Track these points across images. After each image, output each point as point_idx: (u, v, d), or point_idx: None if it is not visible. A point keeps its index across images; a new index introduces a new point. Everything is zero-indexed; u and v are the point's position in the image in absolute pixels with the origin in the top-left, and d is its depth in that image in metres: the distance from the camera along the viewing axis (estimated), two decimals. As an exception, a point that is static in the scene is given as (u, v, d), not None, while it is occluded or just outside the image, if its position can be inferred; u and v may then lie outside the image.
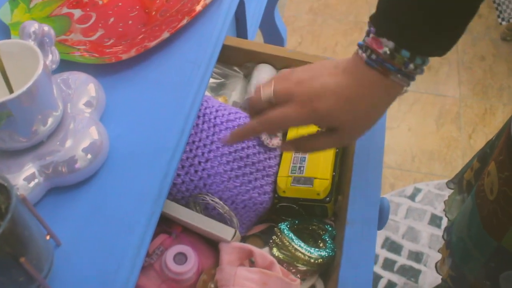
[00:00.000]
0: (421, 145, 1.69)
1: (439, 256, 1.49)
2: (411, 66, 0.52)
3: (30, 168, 0.58)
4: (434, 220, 1.55)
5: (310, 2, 2.16)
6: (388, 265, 1.47)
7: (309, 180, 0.68)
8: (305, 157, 0.70)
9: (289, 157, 0.71)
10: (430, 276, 1.46)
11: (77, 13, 0.81)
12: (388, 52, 0.52)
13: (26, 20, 0.80)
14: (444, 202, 1.09)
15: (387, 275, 1.45)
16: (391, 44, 0.52)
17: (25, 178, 0.57)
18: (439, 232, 1.52)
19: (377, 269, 1.45)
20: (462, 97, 1.82)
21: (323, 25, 2.08)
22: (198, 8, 0.73)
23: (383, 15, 0.53)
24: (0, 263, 0.44)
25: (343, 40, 2.02)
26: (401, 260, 1.48)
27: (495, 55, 1.95)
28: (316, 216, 0.70)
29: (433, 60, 1.91)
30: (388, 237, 1.52)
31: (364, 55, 0.54)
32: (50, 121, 0.59)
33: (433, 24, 0.51)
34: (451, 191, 1.59)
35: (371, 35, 0.54)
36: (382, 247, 1.50)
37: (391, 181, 1.62)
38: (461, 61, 1.93)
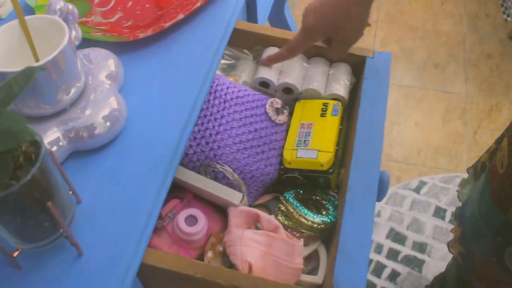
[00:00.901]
0: (427, 140, 1.73)
1: (442, 247, 1.52)
2: None
3: (54, 133, 0.63)
4: (439, 212, 1.58)
5: (321, 1, 2.20)
6: (393, 255, 1.50)
7: (313, 152, 0.72)
8: (310, 132, 0.74)
9: (295, 132, 0.75)
10: (433, 266, 1.49)
11: (97, -3, 0.86)
12: None
13: (50, 3, 0.85)
14: (459, 184, 1.11)
15: (391, 265, 1.49)
16: None
17: (49, 142, 0.62)
18: (443, 224, 1.55)
19: (382, 258, 1.49)
20: (468, 94, 1.85)
21: (333, 23, 2.12)
22: (212, -8, 0.78)
23: None
24: (29, 207, 0.48)
25: (352, 38, 2.06)
26: (405, 250, 1.51)
27: (502, 53, 1.98)
28: (320, 187, 0.74)
29: (440, 58, 1.94)
30: (393, 228, 1.55)
31: None
32: (73, 91, 0.64)
33: None
34: (456, 185, 1.62)
35: None
36: (387, 237, 1.53)
37: (397, 174, 1.66)
38: (468, 59, 1.97)
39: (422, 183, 1.64)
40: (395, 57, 1.98)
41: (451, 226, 1.53)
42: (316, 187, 0.74)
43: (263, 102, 0.75)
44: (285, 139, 0.76)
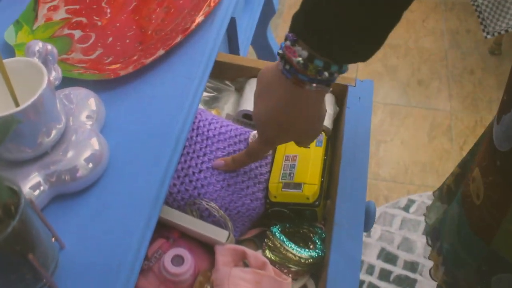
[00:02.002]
0: (414, 157, 1.74)
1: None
2: (325, 74, 0.52)
3: (35, 177, 0.62)
4: (428, 230, 1.58)
5: (303, 22, 2.22)
6: (384, 275, 1.50)
7: (298, 185, 0.71)
8: (294, 164, 0.74)
9: (279, 165, 0.75)
10: (426, 285, 1.48)
11: (78, 33, 0.86)
12: (301, 62, 0.51)
13: (30, 41, 0.84)
14: (426, 207, 1.12)
15: (383, 286, 1.48)
16: (304, 53, 0.51)
17: (31, 186, 0.61)
18: (433, 242, 1.54)
19: (374, 279, 1.48)
20: (453, 110, 1.86)
21: (316, 43, 2.13)
22: (192, 26, 0.78)
23: (302, 20, 0.51)
24: (9, 260, 0.47)
25: (336, 57, 2.08)
26: (397, 270, 1.51)
27: (484, 68, 2.00)
28: (306, 219, 0.73)
29: (424, 75, 1.97)
30: (384, 248, 1.55)
31: (280, 64, 0.54)
32: (53, 133, 0.63)
33: (352, 33, 0.49)
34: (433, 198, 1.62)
35: (288, 42, 0.53)
36: (378, 257, 1.53)
37: (385, 193, 1.66)
38: (451, 75, 1.98)
39: (411, 202, 1.64)
40: (379, 75, 1.99)
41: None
42: (303, 219, 0.73)
43: (246, 136, 0.75)
44: (270, 171, 0.76)
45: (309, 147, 0.67)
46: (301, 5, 0.51)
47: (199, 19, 0.79)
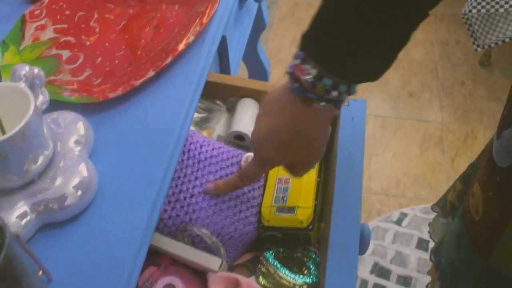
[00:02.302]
0: (406, 170, 1.73)
1: (427, 279, 1.51)
2: (334, 93, 0.52)
3: (22, 206, 0.60)
4: (421, 244, 1.57)
5: (293, 34, 2.22)
6: (378, 290, 1.48)
7: (292, 209, 0.70)
8: (287, 187, 0.73)
9: (272, 188, 0.74)
10: (419, 300, 1.47)
11: (66, 54, 0.84)
12: (310, 80, 0.51)
13: (17, 62, 0.83)
14: (429, 224, 1.12)
15: (377, 300, 1.47)
16: (314, 71, 0.51)
17: (17, 216, 0.59)
18: (427, 256, 1.54)
19: (367, 294, 1.47)
20: (444, 121, 1.86)
21: (307, 55, 2.13)
22: (181, 47, 0.77)
23: (312, 39, 0.52)
24: (-6, 299, 0.46)
25: (326, 69, 2.07)
26: (390, 285, 1.49)
27: (474, 80, 2.00)
28: (300, 243, 0.72)
29: (415, 87, 1.96)
30: (377, 263, 1.53)
31: (289, 82, 0.54)
32: (40, 160, 0.61)
33: (361, 53, 0.50)
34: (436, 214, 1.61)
35: (297, 61, 0.53)
36: (371, 272, 1.51)
37: (378, 207, 1.65)
38: (441, 87, 1.99)
39: (403, 215, 1.63)
40: (370, 87, 1.99)
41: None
42: (297, 243, 0.72)
43: (238, 159, 0.74)
44: (262, 195, 0.74)
45: (301, 176, 0.65)
46: (310, 24, 0.52)
47: (189, 39, 0.78)
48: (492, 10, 1.53)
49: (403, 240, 1.58)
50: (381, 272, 1.51)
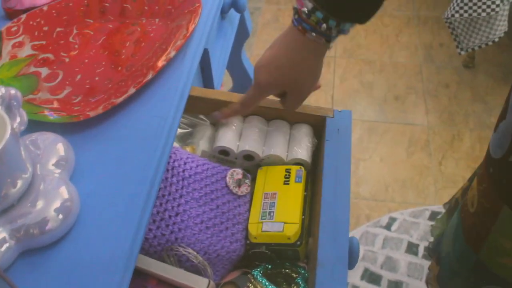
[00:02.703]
0: (394, 174, 1.73)
1: (418, 284, 1.51)
2: (324, 26, 0.60)
3: (1, 233, 0.58)
4: (411, 248, 1.57)
5: (278, 40, 2.21)
6: (369, 296, 1.48)
7: (279, 225, 0.69)
8: (274, 202, 0.72)
9: (258, 203, 0.73)
10: (411, 305, 1.47)
11: (44, 71, 0.83)
12: (306, 11, 0.60)
13: (-6, 81, 0.81)
14: (436, 220, 1.12)
15: (368, 307, 1.46)
16: (310, 5, 0.60)
17: (-5, 244, 0.58)
18: (417, 260, 1.53)
19: (359, 301, 1.46)
20: (430, 125, 1.87)
21: (292, 61, 2.12)
22: (162, 62, 0.75)
23: None
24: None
25: (311, 75, 2.06)
26: (381, 290, 1.49)
27: (459, 82, 2.01)
28: (289, 259, 0.71)
29: (400, 90, 1.96)
30: (367, 268, 1.53)
31: (293, 15, 0.63)
32: (19, 184, 0.60)
33: None
34: (426, 219, 1.62)
35: None
36: (362, 278, 1.51)
37: (366, 212, 1.64)
38: (426, 90, 1.99)
39: (392, 220, 1.63)
40: (356, 92, 1.99)
41: (425, 262, 1.52)
42: (285, 259, 0.71)
43: (223, 175, 0.73)
44: (249, 210, 0.73)
45: (292, 109, 0.73)
46: None
47: (170, 54, 0.76)
48: (475, 14, 1.54)
49: (392, 244, 1.57)
50: (372, 277, 1.51)
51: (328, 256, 0.65)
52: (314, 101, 1.95)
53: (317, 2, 0.60)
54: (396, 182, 1.71)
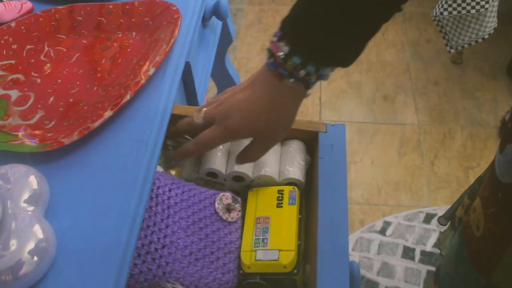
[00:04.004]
0: (386, 177, 1.69)
1: (416, 290, 1.48)
2: (302, 72, 0.55)
3: (-32, 282, 0.53)
4: (407, 253, 1.53)
5: (261, 42, 2.16)
6: (367, 304, 1.44)
7: (274, 253, 0.64)
8: (267, 228, 0.67)
9: (251, 229, 0.68)
10: (409, 311, 1.43)
11: (14, 94, 0.77)
12: (282, 56, 0.55)
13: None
14: (438, 238, 1.09)
15: (366, 316, 1.42)
16: (286, 49, 0.55)
17: (-38, 295, 0.52)
18: (414, 265, 1.50)
19: (356, 310, 1.42)
20: (421, 124, 1.83)
21: (277, 63, 2.08)
22: (142, 81, 0.70)
23: (289, 20, 0.56)
24: None
25: (297, 77, 2.02)
26: (379, 298, 1.45)
27: (447, 78, 1.97)
28: (285, 288, 0.66)
29: (388, 89, 1.93)
30: (363, 276, 1.49)
31: (266, 58, 0.58)
32: (-12, 224, 0.54)
33: (330, 38, 0.53)
34: (421, 221, 1.58)
35: (274, 38, 0.57)
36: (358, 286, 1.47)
37: (360, 217, 1.60)
38: (415, 88, 1.95)
39: (387, 224, 1.59)
40: (344, 93, 1.95)
41: (422, 266, 1.49)
42: (281, 288, 0.66)
43: (211, 200, 0.68)
44: (241, 237, 0.68)
45: (258, 157, 0.67)
46: (292, 7, 0.56)
47: (150, 71, 0.71)
48: (464, 12, 1.50)
49: (388, 250, 1.54)
50: (369, 285, 1.47)
51: (328, 285, 0.61)
52: (302, 104, 1.90)
53: (294, 46, 0.55)
54: (388, 184, 1.67)
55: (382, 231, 1.57)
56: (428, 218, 1.58)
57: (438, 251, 1.33)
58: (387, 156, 1.74)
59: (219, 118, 0.64)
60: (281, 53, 0.55)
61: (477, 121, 1.82)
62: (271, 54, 0.57)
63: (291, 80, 0.57)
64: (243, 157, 0.68)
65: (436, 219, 1.48)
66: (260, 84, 0.61)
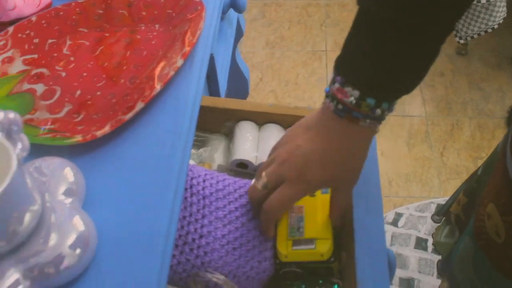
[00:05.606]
0: (396, 168, 1.69)
1: (430, 280, 1.48)
2: (378, 111, 0.55)
3: (13, 274, 0.52)
4: (420, 244, 1.53)
5: (266, 36, 2.16)
6: (381, 296, 1.44)
7: (310, 242, 0.64)
8: (302, 217, 0.67)
9: (285, 218, 0.68)
10: (424, 301, 1.44)
11: (40, 88, 0.76)
12: (354, 101, 0.54)
13: (-15, 101, 0.75)
14: (432, 235, 1.08)
15: (381, 307, 1.42)
16: (356, 93, 0.54)
17: (9, 286, 0.52)
18: (427, 255, 1.50)
19: (371, 301, 1.42)
20: (428, 115, 1.83)
21: (282, 58, 2.08)
22: (171, 72, 0.70)
23: (347, 64, 0.55)
24: None
25: (303, 71, 2.02)
26: (393, 289, 1.45)
27: (454, 70, 1.98)
28: (322, 276, 0.66)
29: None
30: (377, 267, 1.49)
31: (331, 105, 0.56)
32: (28, 217, 0.53)
33: (396, 72, 0.53)
34: (433, 212, 1.58)
35: (336, 84, 0.55)
36: (373, 278, 1.47)
37: (372, 209, 1.61)
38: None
39: (398, 215, 1.59)
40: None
41: (435, 257, 1.49)
42: (317, 277, 0.66)
43: (246, 189, 0.68)
44: (275, 226, 0.68)
45: (342, 204, 0.65)
46: (343, 48, 0.55)
47: (178, 62, 0.71)
48: (474, 2, 1.51)
49: (401, 241, 1.54)
50: (383, 277, 1.47)
51: (368, 273, 0.61)
52: (308, 97, 1.91)
53: (364, 88, 0.53)
54: (399, 176, 1.67)
55: (394, 223, 1.58)
56: (439, 209, 1.59)
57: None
58: (397, 148, 1.75)
59: (293, 176, 0.60)
60: (351, 98, 0.54)
61: (485, 112, 1.82)
62: (338, 101, 0.56)
63: (368, 120, 0.56)
64: (335, 213, 0.66)
65: (430, 218, 1.49)
66: (331, 132, 0.58)
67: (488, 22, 1.57)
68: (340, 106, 0.55)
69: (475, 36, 1.64)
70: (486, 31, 1.63)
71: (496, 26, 1.62)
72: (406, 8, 0.50)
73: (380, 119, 0.57)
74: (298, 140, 0.61)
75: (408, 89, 0.55)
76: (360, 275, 0.60)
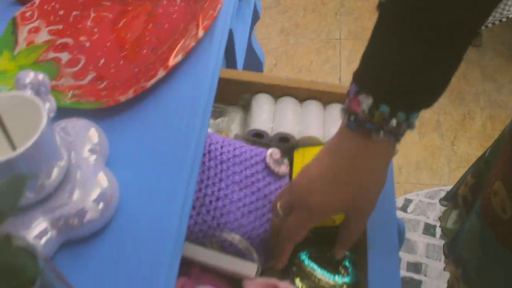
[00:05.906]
0: (407, 156, 1.71)
1: (437, 265, 1.50)
2: (393, 121, 0.48)
3: (41, 223, 0.55)
4: (428, 229, 1.55)
5: (281, 23, 2.18)
6: (388, 279, 1.46)
7: (323, 207, 0.66)
8: (316, 184, 0.69)
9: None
10: (431, 285, 1.46)
11: (65, 56, 0.79)
12: (366, 110, 0.48)
13: (13, 68, 0.77)
14: (439, 218, 1.09)
15: (388, 290, 1.45)
16: (369, 100, 0.48)
17: (36, 235, 0.55)
18: (435, 241, 1.52)
19: (378, 284, 1.45)
20: (440, 105, 1.84)
21: (296, 44, 2.10)
22: (192, 43, 0.72)
23: (362, 71, 0.50)
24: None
25: (317, 58, 2.04)
26: (401, 272, 1.47)
27: (466, 61, 1.99)
28: (333, 242, 0.68)
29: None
30: (385, 251, 1.51)
31: (344, 118, 0.52)
32: (56, 172, 0.56)
33: (415, 81, 0.48)
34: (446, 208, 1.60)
35: (351, 95, 0.51)
36: (381, 262, 1.49)
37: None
38: (434, 70, 1.97)
39: (408, 201, 1.61)
40: (363, 74, 1.96)
41: (443, 242, 1.51)
42: (329, 242, 0.68)
43: (262, 157, 0.70)
44: (289, 193, 0.71)
45: (355, 235, 0.58)
46: (361, 61, 0.51)
47: (199, 34, 0.73)
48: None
49: (410, 226, 1.56)
50: (391, 261, 1.49)
51: (378, 238, 0.63)
52: (328, 79, 1.92)
53: (378, 94, 0.48)
54: (409, 164, 1.69)
55: (404, 208, 1.59)
56: (448, 197, 1.60)
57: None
58: (408, 136, 1.75)
59: (297, 203, 0.57)
60: (364, 106, 0.49)
61: (497, 103, 1.83)
62: (350, 112, 0.50)
63: (382, 132, 0.49)
64: (343, 246, 0.60)
65: (435, 192, 1.49)
66: (340, 150, 0.53)
67: (503, 11, 1.58)
68: (352, 117, 0.50)
69: (490, 25, 1.65)
70: (500, 20, 1.63)
71: (511, 16, 1.62)
72: (434, 8, 0.45)
73: (396, 133, 0.51)
74: (311, 164, 0.56)
75: (427, 103, 0.51)
76: (370, 240, 0.62)
